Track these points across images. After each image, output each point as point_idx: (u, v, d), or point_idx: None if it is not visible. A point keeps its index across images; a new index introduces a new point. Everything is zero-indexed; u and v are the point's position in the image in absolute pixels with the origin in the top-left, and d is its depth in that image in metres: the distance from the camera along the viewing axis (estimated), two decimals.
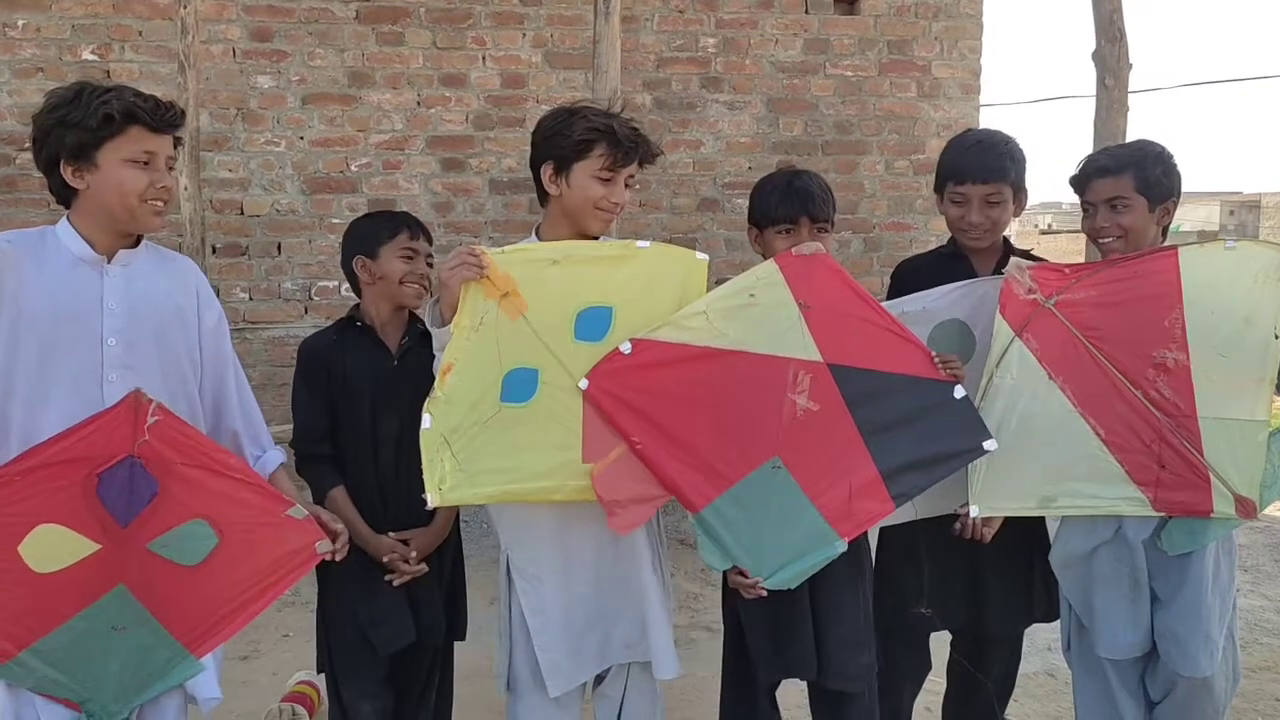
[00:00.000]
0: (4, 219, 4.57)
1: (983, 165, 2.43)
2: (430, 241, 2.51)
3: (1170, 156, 2.35)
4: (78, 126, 1.85)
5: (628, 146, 2.15)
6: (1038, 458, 2.22)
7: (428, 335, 2.41)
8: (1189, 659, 2.27)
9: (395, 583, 2.33)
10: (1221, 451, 2.16)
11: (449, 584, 2.52)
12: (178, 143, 1.99)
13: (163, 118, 1.90)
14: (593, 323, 2.09)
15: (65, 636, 1.87)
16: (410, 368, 2.38)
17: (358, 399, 2.38)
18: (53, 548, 1.84)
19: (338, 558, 2.00)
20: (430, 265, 2.45)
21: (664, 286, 2.13)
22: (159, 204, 1.93)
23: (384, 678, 2.41)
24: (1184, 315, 2.16)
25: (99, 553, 1.86)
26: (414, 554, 2.34)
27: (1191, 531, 2.23)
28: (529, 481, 2.08)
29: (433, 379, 2.11)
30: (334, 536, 2.01)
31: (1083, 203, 2.41)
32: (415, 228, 2.46)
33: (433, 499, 2.06)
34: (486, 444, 2.06)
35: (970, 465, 2.18)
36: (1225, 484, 2.16)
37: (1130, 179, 2.31)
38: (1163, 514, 2.22)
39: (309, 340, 2.48)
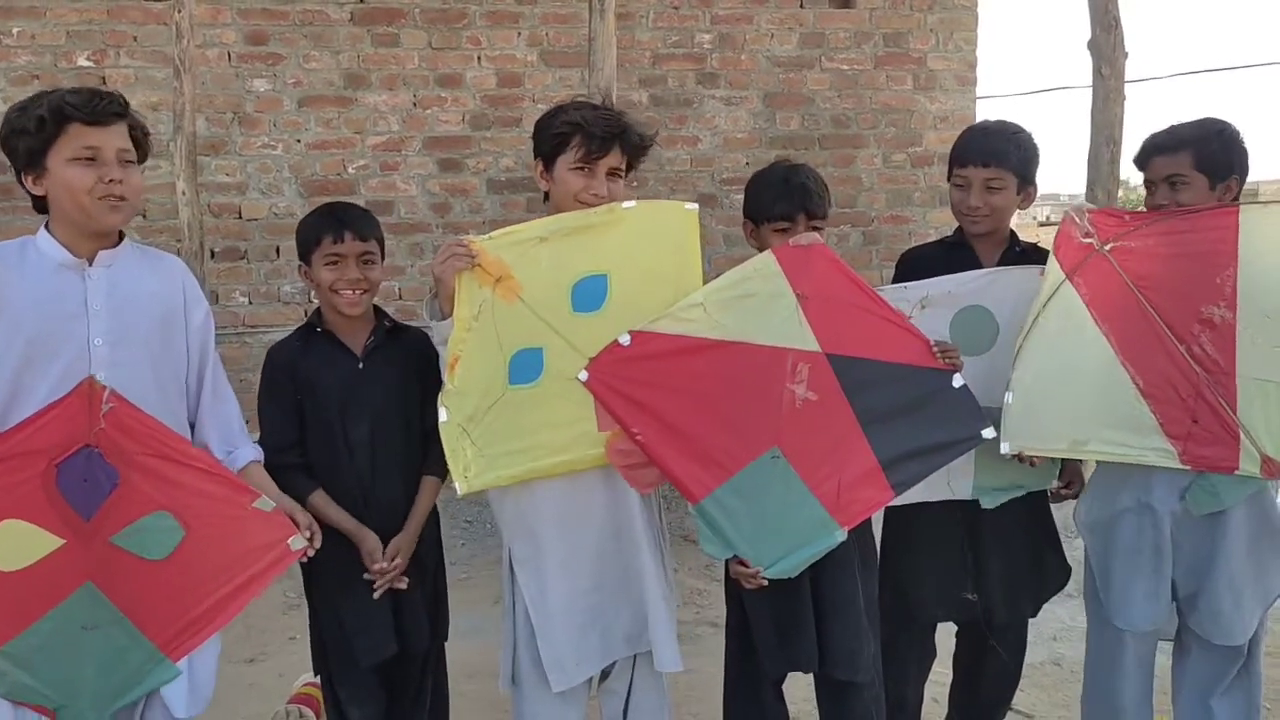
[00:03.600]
0: (3, 226, 4.56)
1: (983, 149, 2.44)
2: (367, 237, 2.29)
3: (1233, 133, 2.34)
4: (24, 134, 1.87)
5: (602, 137, 2.16)
6: (1073, 401, 2.24)
7: (395, 331, 2.39)
8: (1221, 627, 2.29)
9: (376, 594, 2.26)
10: (1256, 412, 2.17)
11: (431, 586, 2.44)
12: (140, 137, 1.96)
13: (97, 109, 1.88)
14: (589, 292, 2.11)
15: (35, 638, 1.83)
16: (377, 368, 2.33)
17: (326, 405, 2.29)
18: (16, 544, 1.80)
19: (311, 553, 1.98)
20: (371, 262, 2.30)
21: (656, 243, 2.14)
22: (113, 199, 1.89)
23: (375, 682, 2.35)
24: (1237, 274, 2.17)
25: (63, 548, 1.82)
26: (395, 561, 2.26)
27: (1214, 492, 2.24)
28: (548, 457, 2.12)
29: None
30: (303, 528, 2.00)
31: (1145, 180, 2.41)
32: (339, 229, 2.26)
33: (460, 487, 2.09)
34: (502, 428, 2.09)
35: (1003, 404, 2.22)
36: (1255, 444, 2.18)
37: (1188, 156, 2.30)
38: (1188, 468, 2.23)
39: (273, 349, 2.38)
